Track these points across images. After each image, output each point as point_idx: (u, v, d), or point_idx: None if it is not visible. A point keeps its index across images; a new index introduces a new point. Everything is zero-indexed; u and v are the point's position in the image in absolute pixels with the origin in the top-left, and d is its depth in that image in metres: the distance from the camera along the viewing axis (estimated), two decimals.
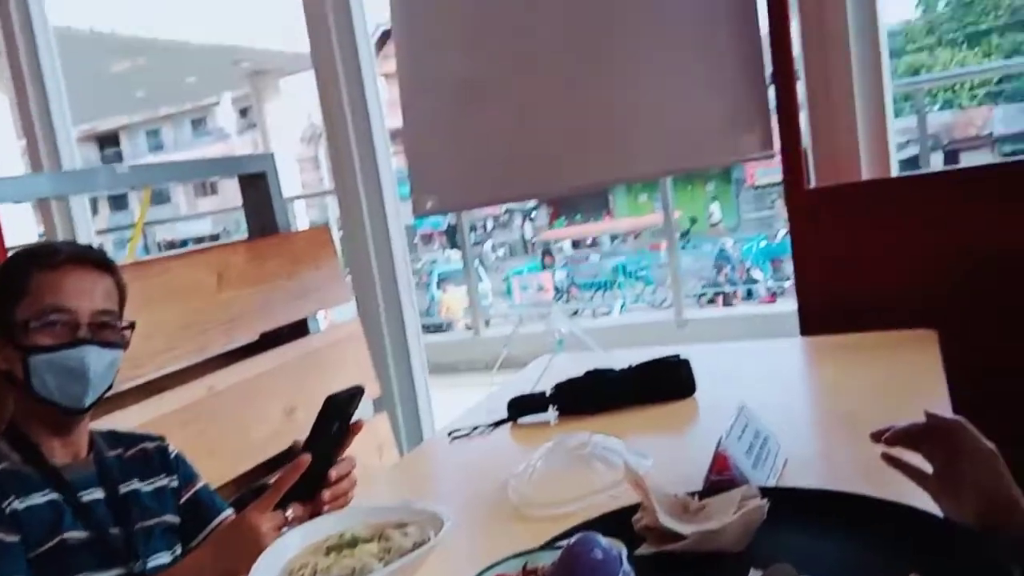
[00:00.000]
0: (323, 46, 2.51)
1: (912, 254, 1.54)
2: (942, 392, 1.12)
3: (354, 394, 0.94)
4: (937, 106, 13.01)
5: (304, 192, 9.56)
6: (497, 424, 1.40)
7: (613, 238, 13.22)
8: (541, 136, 2.02)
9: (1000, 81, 14.22)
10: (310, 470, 0.91)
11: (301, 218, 6.19)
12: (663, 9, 1.86)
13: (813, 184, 1.76)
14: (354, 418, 0.96)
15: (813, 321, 1.63)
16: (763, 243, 10.06)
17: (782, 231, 9.88)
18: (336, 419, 0.94)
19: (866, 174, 1.75)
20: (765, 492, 0.79)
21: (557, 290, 10.14)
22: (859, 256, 1.60)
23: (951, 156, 12.58)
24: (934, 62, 14.30)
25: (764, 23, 1.71)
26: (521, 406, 1.42)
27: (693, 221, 12.59)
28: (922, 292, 1.52)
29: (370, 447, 1.94)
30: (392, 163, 2.63)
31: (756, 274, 9.46)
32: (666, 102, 1.89)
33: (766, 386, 1.37)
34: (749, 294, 9.36)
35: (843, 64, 1.76)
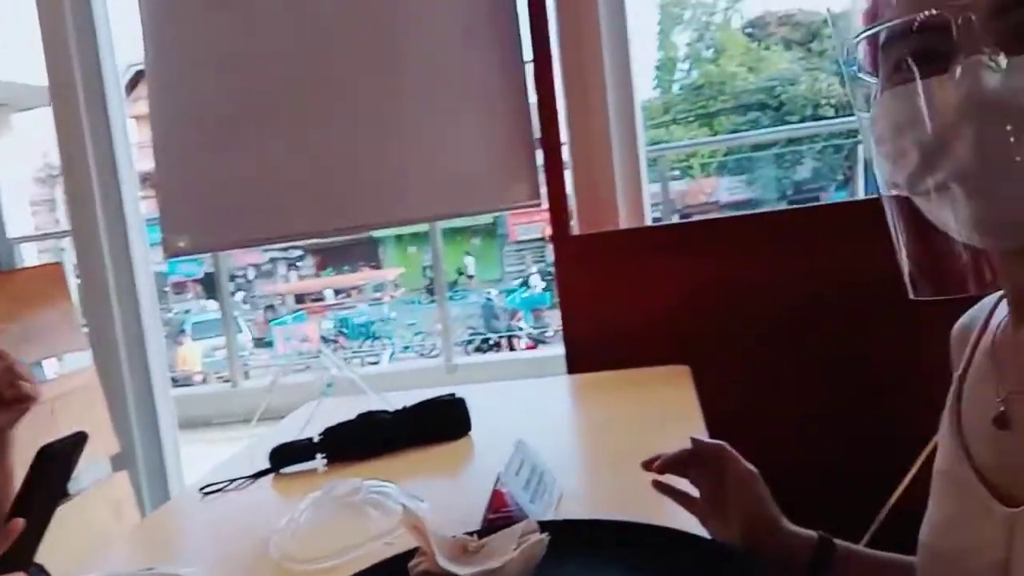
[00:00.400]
0: (64, 80, 2.26)
1: (665, 296, 1.65)
2: (698, 424, 1.18)
3: (76, 442, 0.81)
4: (675, 176, 14.48)
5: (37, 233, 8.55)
6: (257, 476, 1.28)
7: (379, 288, 13.18)
8: (303, 177, 1.95)
9: (725, 155, 16.17)
10: (23, 536, 0.76)
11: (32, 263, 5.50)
12: (438, 64, 1.88)
13: (577, 232, 1.84)
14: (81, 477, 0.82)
15: (579, 360, 1.69)
16: (525, 294, 10.51)
17: (540, 284, 10.39)
18: (54, 474, 0.80)
19: (624, 225, 1.86)
20: (544, 526, 0.78)
21: (324, 339, 9.87)
22: (619, 298, 1.69)
23: (685, 219, 13.97)
24: (671, 137, 15.94)
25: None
26: (285, 455, 1.31)
27: (460, 273, 12.88)
28: (676, 330, 1.63)
29: (106, 508, 1.72)
30: (140, 206, 2.41)
31: (520, 322, 9.85)
32: (438, 150, 1.91)
33: (538, 422, 1.39)
34: (513, 341, 9.72)
35: (603, 129, 1.88)
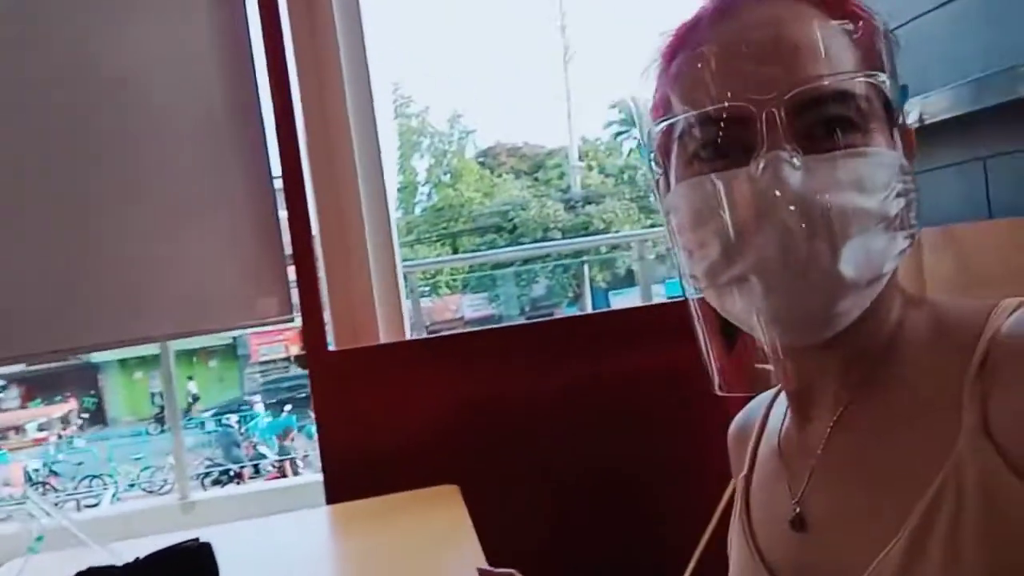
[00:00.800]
0: None
1: (430, 412, 1.60)
2: (474, 545, 1.12)
3: None
4: (423, 293, 14.79)
5: None
6: None
7: (95, 419, 11.76)
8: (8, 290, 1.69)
9: (468, 272, 16.85)
10: None
11: None
12: (177, 176, 1.75)
13: (333, 348, 1.75)
14: None
15: (340, 487, 1.56)
16: (268, 418, 9.92)
17: (287, 407, 9.87)
18: None
19: (383, 340, 1.80)
20: None
21: (31, 481, 8.52)
22: (382, 417, 1.61)
23: (432, 334, 14.19)
24: (416, 255, 16.37)
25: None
26: None
27: (196, 399, 11.91)
28: (443, 447, 1.57)
29: None
30: None
31: (264, 449, 9.21)
32: (174, 264, 1.75)
33: (298, 564, 1.24)
34: (258, 470, 9.03)
35: (359, 245, 1.84)
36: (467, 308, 17.13)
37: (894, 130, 0.53)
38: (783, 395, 0.67)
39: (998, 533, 0.44)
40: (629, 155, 24.87)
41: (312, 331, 1.66)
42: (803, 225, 0.48)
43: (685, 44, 0.57)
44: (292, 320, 1.79)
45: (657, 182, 0.60)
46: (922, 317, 0.55)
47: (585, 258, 17.70)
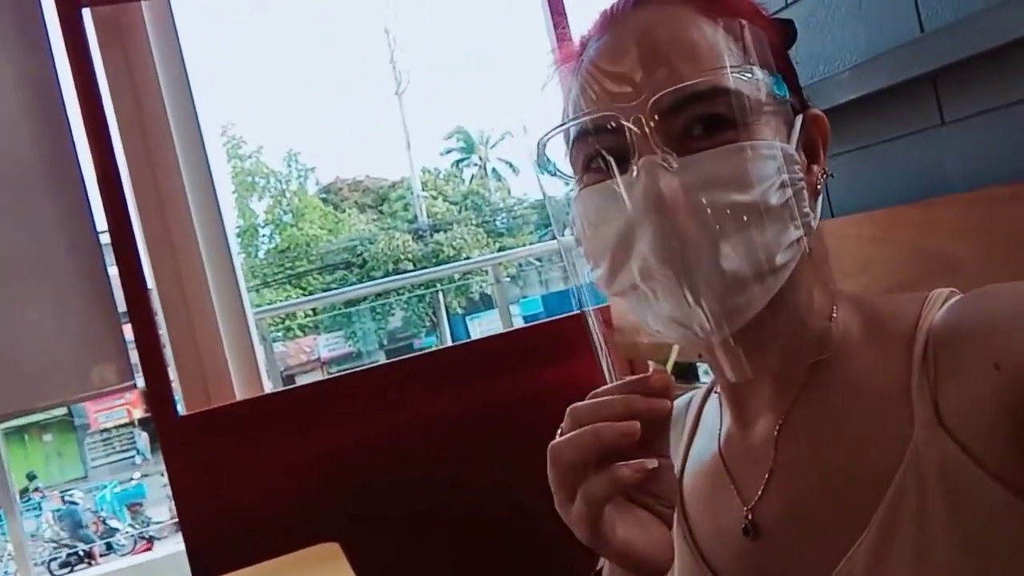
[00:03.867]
0: None
1: (297, 467, 1.51)
2: None
3: None
4: (275, 338, 14.25)
5: None
6: None
7: None
8: None
9: (320, 313, 16.45)
10: None
11: None
12: None
13: (184, 412, 1.62)
14: None
15: (207, 558, 1.44)
16: (117, 489, 9.20)
17: (136, 474, 9.21)
18: None
19: (240, 396, 1.70)
20: None
21: None
22: (245, 478, 1.51)
23: (289, 379, 13.74)
24: (263, 300, 15.80)
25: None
26: None
27: (32, 478, 10.86)
28: (316, 504, 1.48)
29: None
30: None
31: (115, 523, 8.51)
32: (2, 338, 1.58)
33: None
34: (110, 547, 8.32)
35: (201, 295, 1.74)
36: (323, 348, 16.68)
37: (797, 119, 0.53)
38: (713, 399, 0.66)
39: (965, 521, 0.44)
40: (471, 182, 25.24)
41: (157, 395, 1.53)
42: (680, 226, 0.49)
43: (581, 53, 0.57)
44: (134, 386, 1.65)
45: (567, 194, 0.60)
46: (854, 313, 0.55)
47: (439, 286, 17.74)
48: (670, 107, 0.50)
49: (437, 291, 17.87)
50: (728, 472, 0.59)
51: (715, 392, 0.65)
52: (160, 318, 1.70)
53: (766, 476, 0.55)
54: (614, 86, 0.52)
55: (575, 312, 0.58)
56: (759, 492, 0.56)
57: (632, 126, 0.50)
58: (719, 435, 0.62)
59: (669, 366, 0.51)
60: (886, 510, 0.47)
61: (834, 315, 0.55)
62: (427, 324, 18.24)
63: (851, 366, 0.53)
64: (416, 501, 1.53)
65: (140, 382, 1.60)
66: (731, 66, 0.51)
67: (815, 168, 0.55)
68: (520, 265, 16.73)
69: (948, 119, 1.04)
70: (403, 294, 17.34)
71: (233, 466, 1.52)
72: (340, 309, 16.78)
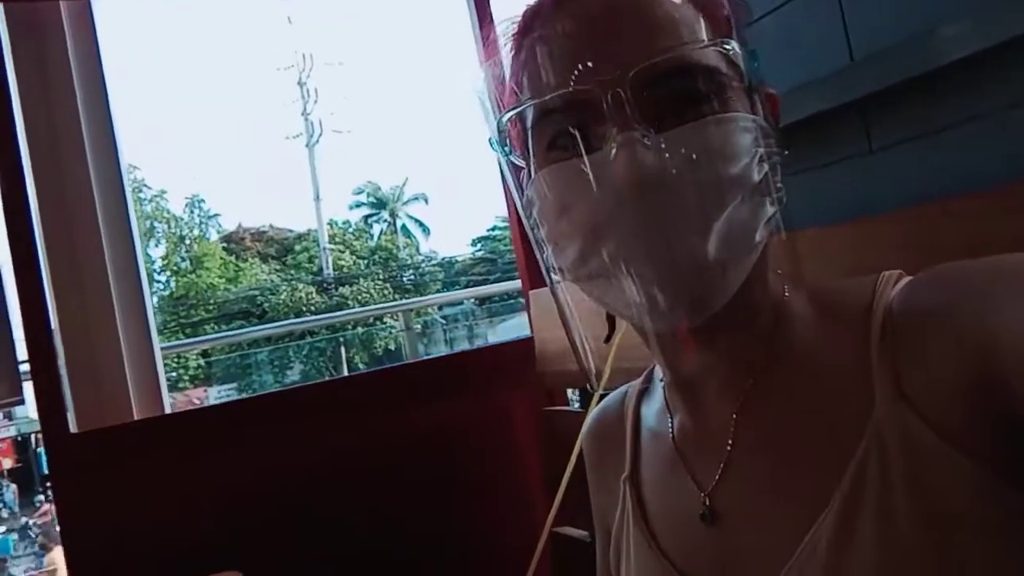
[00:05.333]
0: None
1: (199, 492, 1.41)
2: None
3: None
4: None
5: None
6: None
7: None
8: None
9: (215, 357, 15.83)
10: None
11: None
12: None
13: (76, 430, 1.50)
14: None
15: None
16: None
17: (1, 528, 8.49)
18: None
19: (139, 416, 1.58)
20: None
21: None
22: (143, 503, 1.39)
23: None
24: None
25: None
26: None
27: None
28: (218, 532, 1.38)
29: None
30: None
31: None
32: None
33: None
34: None
35: (108, 325, 1.63)
36: (214, 399, 16.01)
37: (754, 96, 0.52)
38: (655, 388, 0.64)
39: (927, 490, 0.44)
40: (379, 237, 25.06)
41: (49, 408, 1.41)
42: (664, 205, 0.46)
43: (530, 28, 0.54)
44: (22, 402, 1.52)
45: (518, 177, 0.56)
46: (803, 296, 0.55)
47: (341, 338, 17.40)
48: (650, 81, 0.48)
49: (339, 343, 17.51)
50: (684, 461, 0.57)
51: (660, 383, 0.63)
52: (56, 333, 1.58)
53: (723, 461, 0.54)
54: (590, 59, 0.48)
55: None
56: (718, 474, 0.54)
57: (611, 101, 0.47)
58: (670, 426, 0.60)
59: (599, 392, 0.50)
60: (849, 483, 0.46)
61: (786, 295, 0.54)
62: (327, 377, 17.80)
63: (807, 346, 0.52)
64: (324, 529, 1.45)
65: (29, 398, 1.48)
66: (710, 40, 0.50)
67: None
68: (426, 323, 16.62)
69: (876, 146, 1.07)
70: (303, 345, 16.92)
71: (128, 489, 1.40)
72: (235, 358, 16.20)
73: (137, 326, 1.70)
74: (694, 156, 0.47)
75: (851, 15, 1.08)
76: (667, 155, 0.46)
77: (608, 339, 0.59)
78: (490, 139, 0.56)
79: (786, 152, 0.52)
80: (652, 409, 0.63)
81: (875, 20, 1.04)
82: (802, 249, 1.03)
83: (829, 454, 0.47)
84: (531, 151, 0.53)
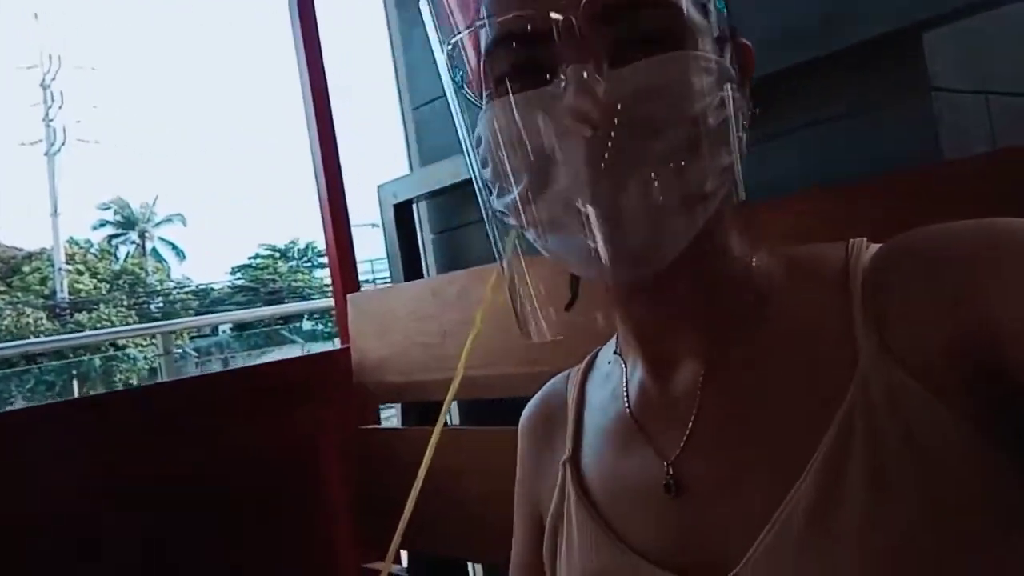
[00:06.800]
0: None
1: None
2: None
3: None
4: None
5: None
6: None
7: None
8: None
9: None
10: None
11: None
12: None
13: None
14: None
15: None
16: None
17: None
18: None
19: None
20: None
21: None
22: None
23: None
24: None
25: None
26: None
27: None
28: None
29: None
30: None
31: None
32: None
33: None
34: None
35: None
36: None
37: (725, 44, 0.50)
38: (601, 368, 0.62)
39: (915, 442, 0.43)
40: (126, 259, 23.00)
41: None
42: (613, 142, 0.44)
43: None
44: None
45: (466, 115, 0.52)
46: (775, 261, 0.53)
47: (75, 367, 15.60)
48: (604, 13, 0.45)
49: (72, 374, 15.67)
50: (643, 431, 0.54)
51: (615, 352, 0.60)
52: None
53: (688, 427, 0.51)
54: None
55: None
56: (683, 440, 0.51)
57: (561, 31, 0.45)
58: (624, 395, 0.56)
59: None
60: (832, 441, 0.44)
61: (754, 260, 0.52)
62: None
63: (779, 308, 0.51)
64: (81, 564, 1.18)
65: None
66: None
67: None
68: (178, 358, 15.34)
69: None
70: (27, 377, 14.94)
71: None
72: None
73: None
74: (650, 93, 0.45)
75: None
76: (619, 90, 0.44)
77: (568, 307, 0.54)
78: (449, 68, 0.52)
79: (756, 110, 0.50)
80: (599, 387, 0.61)
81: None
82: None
83: (809, 413, 0.46)
84: (484, 86, 0.50)
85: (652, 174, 0.44)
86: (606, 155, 0.44)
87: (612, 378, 0.59)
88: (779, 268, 0.52)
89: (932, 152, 0.87)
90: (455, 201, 1.42)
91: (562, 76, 0.45)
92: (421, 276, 1.44)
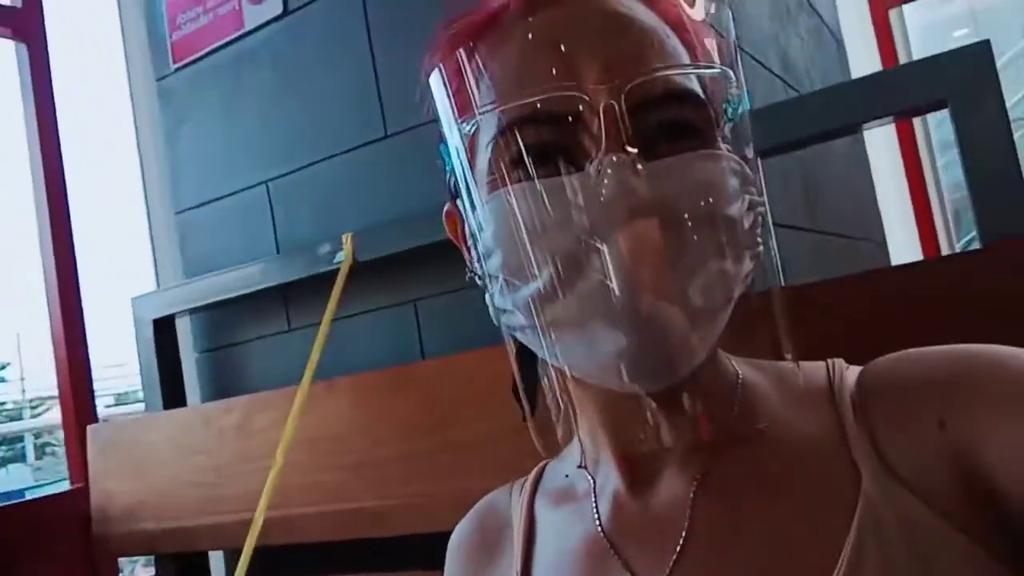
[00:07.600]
0: None
1: None
2: None
3: None
4: None
5: None
6: None
7: None
8: None
9: None
10: None
11: None
12: None
13: None
14: None
15: None
16: None
17: None
18: None
19: None
20: None
21: None
22: None
23: None
24: None
25: None
26: None
27: None
28: None
29: None
30: None
31: None
32: None
33: None
34: None
35: None
36: None
37: (741, 145, 0.48)
38: (555, 482, 0.57)
39: (929, 570, 0.41)
40: None
41: None
42: (654, 239, 0.41)
43: (493, 31, 0.47)
44: None
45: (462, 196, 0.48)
46: (755, 372, 0.51)
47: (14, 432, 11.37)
48: (640, 102, 0.42)
49: (17, 439, 11.38)
50: (617, 553, 0.49)
51: (580, 467, 0.55)
52: None
53: (677, 548, 0.47)
54: (577, 65, 0.43)
55: None
56: (670, 564, 0.47)
57: (603, 113, 0.41)
58: (594, 513, 0.51)
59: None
60: (848, 565, 0.41)
61: (736, 371, 0.51)
62: None
63: (772, 422, 0.49)
64: None
65: None
66: (711, 65, 0.45)
67: None
68: None
69: (294, 326, 1.25)
70: None
71: None
72: None
73: None
74: (690, 190, 0.42)
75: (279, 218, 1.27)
76: (659, 185, 0.41)
77: (525, 419, 0.50)
78: (441, 147, 0.49)
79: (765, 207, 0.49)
80: (554, 505, 0.56)
81: (298, 226, 1.25)
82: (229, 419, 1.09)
83: (818, 534, 0.43)
84: (478, 170, 0.47)
85: (687, 275, 0.41)
86: (642, 250, 0.40)
87: (574, 494, 0.54)
88: (763, 380, 0.50)
89: None
90: (228, 316, 1.28)
91: (599, 163, 0.41)
92: (183, 403, 1.24)
